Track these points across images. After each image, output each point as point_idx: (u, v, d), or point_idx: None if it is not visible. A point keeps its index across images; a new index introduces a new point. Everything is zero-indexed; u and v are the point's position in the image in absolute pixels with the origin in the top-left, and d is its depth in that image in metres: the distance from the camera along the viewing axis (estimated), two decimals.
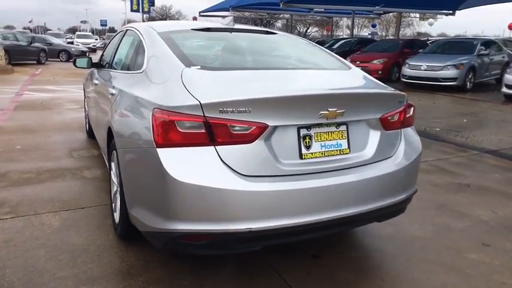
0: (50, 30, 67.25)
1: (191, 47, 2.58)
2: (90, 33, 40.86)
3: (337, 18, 35.49)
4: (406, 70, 11.80)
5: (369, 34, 35.71)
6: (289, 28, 26.74)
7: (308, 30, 47.69)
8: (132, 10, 37.48)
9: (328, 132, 2.05)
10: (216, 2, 25.35)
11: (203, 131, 1.78)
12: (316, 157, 2.00)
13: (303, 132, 1.98)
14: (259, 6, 20.45)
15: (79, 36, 33.35)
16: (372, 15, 25.17)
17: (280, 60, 2.80)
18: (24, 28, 76.77)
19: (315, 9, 19.18)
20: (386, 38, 38.45)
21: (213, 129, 1.78)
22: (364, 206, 2.06)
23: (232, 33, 2.84)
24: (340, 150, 2.08)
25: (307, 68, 2.60)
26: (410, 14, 34.92)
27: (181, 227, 1.80)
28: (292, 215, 1.88)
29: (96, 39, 37.27)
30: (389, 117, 2.23)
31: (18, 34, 17.12)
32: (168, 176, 1.76)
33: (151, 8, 37.94)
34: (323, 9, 19.52)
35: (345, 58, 13.49)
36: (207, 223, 1.78)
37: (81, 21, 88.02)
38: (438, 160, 4.68)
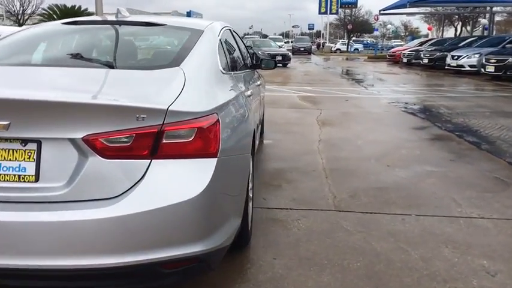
0: (267, 35, 76.04)
1: (12, 41, 2.36)
2: (280, 37, 44.01)
3: None
4: None
5: None
6: (495, 24, 21.90)
7: None
8: (320, 13, 38.44)
9: (7, 149, 1.52)
10: None
11: None
12: None
13: None
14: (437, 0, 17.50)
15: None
16: None
17: (83, 57, 2.27)
18: (245, 34, 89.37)
19: None
20: None
21: None
22: (36, 259, 1.44)
23: (98, 25, 2.50)
24: (21, 176, 1.51)
25: (89, 67, 2.03)
26: None
27: None
28: None
29: (286, 42, 39.89)
30: (107, 140, 1.49)
31: None
32: None
33: (341, 9, 37.82)
34: None
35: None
36: None
37: (293, 26, 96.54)
38: (488, 219, 2.95)
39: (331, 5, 36.27)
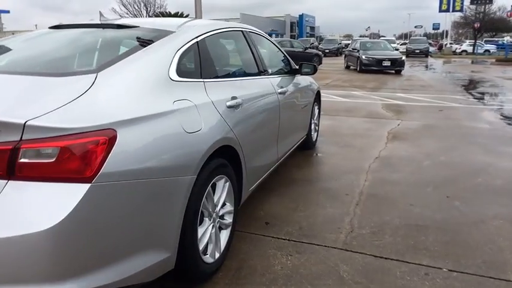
0: (384, 36, 72.43)
1: None
2: (392, 38, 40.87)
3: None
4: None
5: None
6: None
7: None
8: (440, 10, 34.37)
9: None
10: None
11: None
12: None
13: None
14: None
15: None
16: None
17: (15, 61, 2.14)
18: (361, 36, 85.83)
19: None
20: None
21: None
22: None
23: (67, 29, 2.45)
24: None
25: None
26: None
27: None
28: None
29: (403, 44, 36.93)
30: None
31: (295, 41, 19.77)
32: None
33: (468, 5, 33.31)
34: None
35: None
36: None
37: (415, 26, 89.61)
38: None
39: (454, 1, 32.21)
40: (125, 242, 1.57)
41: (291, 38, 50.29)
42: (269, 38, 3.74)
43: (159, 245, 1.75)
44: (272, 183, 3.64)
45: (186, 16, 17.55)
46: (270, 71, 3.33)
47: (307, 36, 54.92)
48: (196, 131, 1.94)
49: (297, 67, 3.94)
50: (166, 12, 19.07)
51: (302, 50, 18.49)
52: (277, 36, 54.66)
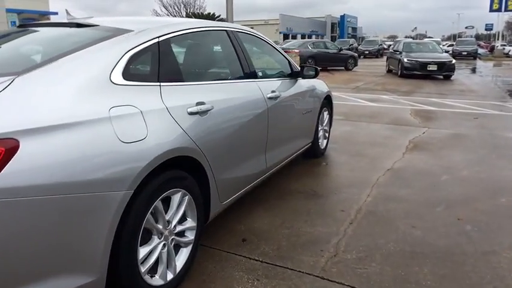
0: (431, 37, 69.44)
1: None
2: (438, 39, 38.89)
3: None
4: None
5: None
6: None
7: None
8: (491, 10, 32.10)
9: None
10: None
11: None
12: None
13: None
14: None
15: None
16: None
17: None
18: (406, 36, 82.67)
19: None
20: None
21: None
22: None
23: (32, 29, 2.34)
24: None
25: None
26: None
27: None
28: None
29: (451, 45, 35.08)
30: None
31: (329, 42, 19.19)
32: None
33: None
34: None
35: None
36: None
37: (466, 27, 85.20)
38: None
39: (506, 0, 29.96)
40: (32, 264, 1.41)
41: (331, 39, 49.34)
42: (265, 39, 3.48)
43: (80, 268, 1.57)
44: (264, 194, 3.39)
45: (218, 17, 17.61)
46: (260, 74, 3.08)
47: (348, 37, 53.66)
48: (137, 141, 1.75)
49: (299, 70, 3.66)
50: (198, 13, 19.33)
51: (336, 51, 17.92)
52: (317, 37, 53.80)
